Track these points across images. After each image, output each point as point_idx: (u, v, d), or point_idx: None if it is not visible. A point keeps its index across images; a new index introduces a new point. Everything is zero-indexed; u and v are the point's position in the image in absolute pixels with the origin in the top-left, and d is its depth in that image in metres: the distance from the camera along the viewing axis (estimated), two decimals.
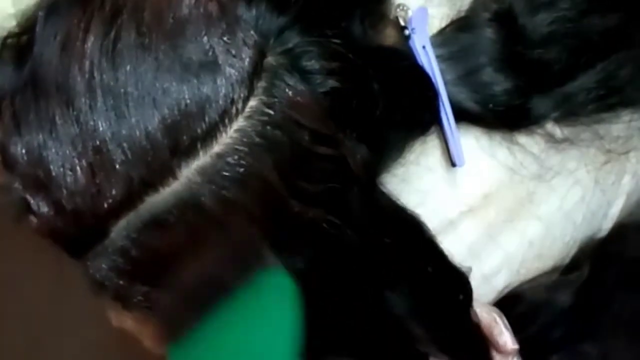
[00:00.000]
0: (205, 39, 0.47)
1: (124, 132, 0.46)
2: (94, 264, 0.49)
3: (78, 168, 0.47)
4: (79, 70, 0.47)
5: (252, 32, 0.48)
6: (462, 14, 0.60)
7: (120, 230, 0.48)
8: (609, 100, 0.61)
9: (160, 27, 0.47)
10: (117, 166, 0.46)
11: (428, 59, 0.59)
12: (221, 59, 0.47)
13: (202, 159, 0.47)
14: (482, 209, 0.61)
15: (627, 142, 0.64)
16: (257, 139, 0.47)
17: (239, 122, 0.47)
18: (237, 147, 0.47)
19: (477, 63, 0.59)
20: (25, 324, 1.10)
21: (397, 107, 0.54)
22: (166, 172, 0.46)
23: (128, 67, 0.46)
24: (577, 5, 0.60)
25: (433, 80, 0.58)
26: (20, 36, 0.53)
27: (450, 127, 0.59)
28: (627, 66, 0.61)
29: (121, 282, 0.50)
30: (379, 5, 0.59)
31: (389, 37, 0.60)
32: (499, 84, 0.59)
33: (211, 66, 0.46)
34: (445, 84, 0.59)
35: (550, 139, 0.62)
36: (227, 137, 0.47)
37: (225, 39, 0.47)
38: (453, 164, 0.60)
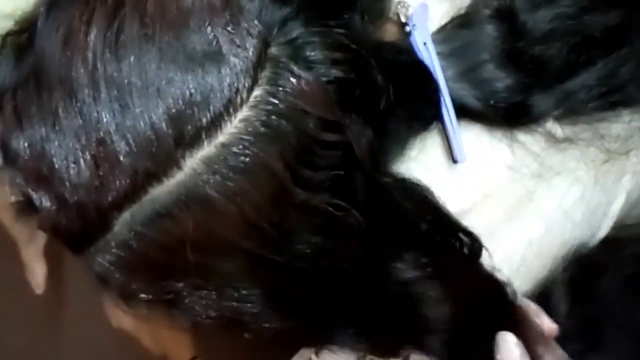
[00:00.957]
0: (209, 29, 0.47)
1: (128, 123, 0.46)
2: (96, 259, 0.49)
3: (81, 160, 0.47)
4: (82, 63, 0.47)
5: (256, 22, 0.48)
6: (463, 10, 0.61)
7: (123, 223, 0.48)
8: (610, 97, 0.61)
9: (163, 18, 0.47)
10: (121, 157, 0.46)
11: (429, 55, 0.59)
12: (225, 48, 0.47)
13: (207, 149, 0.46)
14: (482, 208, 0.61)
15: (627, 142, 0.64)
16: (262, 129, 0.47)
17: (244, 112, 0.47)
18: (241, 136, 0.46)
19: (478, 59, 0.59)
20: (25, 324, 1.09)
21: (400, 100, 0.54)
22: (171, 163, 0.46)
23: (132, 58, 0.46)
24: (578, 2, 0.60)
25: (434, 76, 0.58)
26: (21, 33, 0.53)
27: (452, 123, 0.59)
28: (628, 64, 0.61)
29: (124, 277, 0.50)
30: (379, 1, 0.59)
31: (390, 33, 0.60)
32: (500, 80, 0.59)
33: (215, 56, 0.46)
34: (446, 80, 0.59)
35: (551, 138, 0.62)
36: (231, 127, 0.47)
37: (229, 29, 0.47)
38: (454, 160, 0.60)
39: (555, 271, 0.67)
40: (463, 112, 0.60)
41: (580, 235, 0.66)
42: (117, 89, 0.46)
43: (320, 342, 0.62)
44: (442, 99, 0.59)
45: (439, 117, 0.59)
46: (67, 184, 0.47)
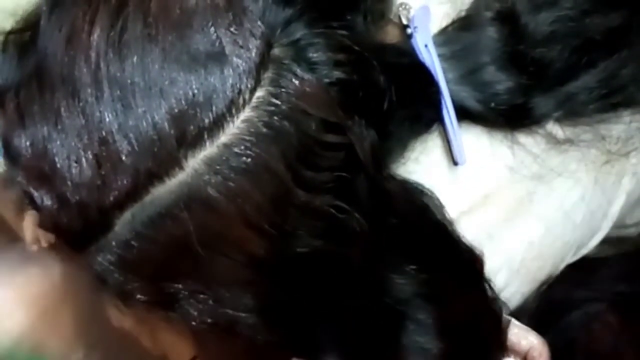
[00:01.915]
0: (212, 29, 0.47)
1: (130, 122, 0.46)
2: (96, 258, 0.49)
3: (83, 160, 0.47)
4: (85, 62, 0.47)
5: (259, 23, 0.48)
6: (464, 12, 0.61)
7: (124, 223, 0.47)
8: (610, 99, 0.62)
9: (167, 18, 0.47)
10: (123, 157, 0.46)
11: (430, 57, 0.59)
12: (228, 49, 0.47)
13: (209, 149, 0.46)
14: (482, 209, 0.62)
15: (628, 143, 0.64)
16: (264, 130, 0.47)
17: (246, 113, 0.47)
18: (243, 137, 0.46)
19: (479, 62, 0.60)
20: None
21: (401, 102, 0.54)
22: (173, 163, 0.46)
23: (135, 58, 0.46)
24: (579, 4, 0.60)
25: (435, 78, 0.59)
26: (23, 32, 0.53)
27: (452, 125, 0.59)
28: (629, 65, 0.61)
29: (123, 277, 0.49)
30: (381, 3, 0.59)
31: (391, 35, 0.60)
32: (501, 82, 0.60)
33: (218, 57, 0.46)
34: (447, 82, 0.59)
35: (551, 139, 0.62)
36: (234, 128, 0.46)
37: (232, 29, 0.47)
38: (455, 162, 0.60)
39: (554, 272, 0.67)
40: (464, 114, 0.60)
41: (580, 236, 0.66)
42: (119, 89, 0.46)
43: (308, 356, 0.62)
44: (442, 101, 0.59)
45: (439, 119, 0.60)
46: (69, 183, 0.47)
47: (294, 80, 0.48)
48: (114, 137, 0.46)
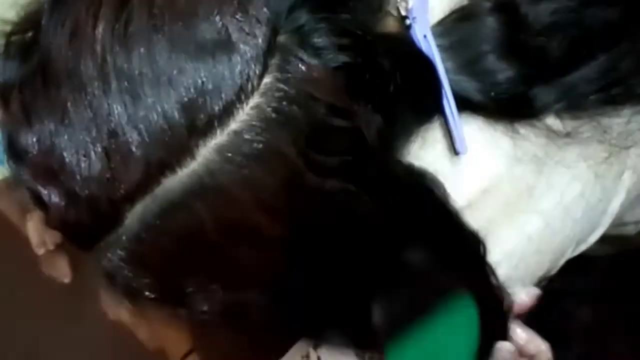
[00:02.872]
0: (217, 17, 0.47)
1: (140, 113, 0.46)
2: (106, 256, 0.49)
3: (92, 153, 0.46)
4: (91, 56, 0.47)
5: (264, 9, 0.48)
6: (463, 3, 0.61)
7: (135, 216, 0.47)
8: (610, 91, 0.62)
9: (172, 8, 0.47)
10: (134, 149, 0.46)
11: (429, 48, 0.59)
12: (235, 37, 0.47)
13: (220, 137, 0.46)
14: (481, 204, 0.62)
15: (628, 138, 0.64)
16: (273, 115, 0.47)
17: (255, 99, 0.47)
18: (253, 123, 0.46)
19: (479, 51, 0.60)
20: (25, 324, 1.09)
21: (404, 91, 0.54)
22: (184, 152, 0.46)
23: (142, 49, 0.46)
24: None
25: (435, 68, 0.59)
26: (25, 32, 0.53)
27: (453, 115, 0.59)
28: (629, 58, 0.62)
29: (133, 273, 0.49)
30: None
31: (390, 26, 0.60)
32: (501, 72, 0.60)
33: (225, 44, 0.46)
34: (447, 72, 0.59)
35: (552, 133, 0.62)
36: (243, 114, 0.46)
37: (237, 16, 0.47)
38: (456, 152, 0.60)
39: (554, 268, 0.67)
40: (464, 104, 0.60)
41: (580, 232, 0.66)
42: (127, 81, 0.46)
43: (317, 338, 0.62)
44: (442, 91, 0.59)
45: (440, 110, 0.60)
46: (78, 177, 0.47)
47: (300, 65, 0.48)
48: (123, 129, 0.46)
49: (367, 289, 0.55)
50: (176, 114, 0.46)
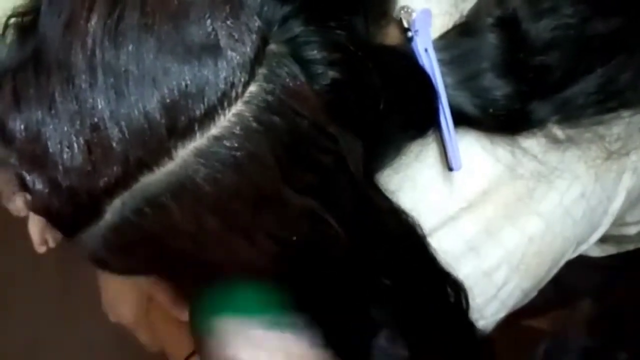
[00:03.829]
0: (208, 21, 0.47)
1: (122, 110, 0.46)
2: (88, 243, 0.49)
3: (75, 145, 0.47)
4: (81, 48, 0.47)
5: (255, 17, 0.48)
6: (465, 18, 0.61)
7: (114, 209, 0.48)
8: (608, 103, 0.62)
9: (164, 8, 0.47)
10: (114, 144, 0.46)
11: (430, 62, 0.59)
12: (223, 42, 0.47)
13: (199, 141, 0.47)
14: (482, 205, 0.62)
15: (628, 141, 0.64)
16: (255, 125, 0.47)
17: (238, 107, 0.47)
18: (234, 130, 0.47)
19: (479, 68, 0.60)
20: (25, 324, 1.10)
21: (396, 105, 0.54)
22: (162, 152, 0.46)
23: (130, 47, 0.46)
24: (579, 12, 0.60)
25: (434, 83, 0.58)
26: (25, 15, 0.53)
27: (449, 131, 0.59)
28: (627, 71, 0.61)
29: (116, 260, 0.50)
30: (383, 4, 0.59)
31: (391, 37, 0.60)
32: (500, 89, 0.60)
33: (213, 49, 0.47)
34: (446, 87, 0.59)
35: (551, 138, 0.62)
36: (225, 121, 0.47)
37: (228, 22, 0.47)
38: (450, 169, 0.60)
39: (555, 268, 0.67)
40: (462, 119, 0.60)
41: (580, 232, 0.66)
42: (113, 76, 0.46)
43: None
44: (440, 106, 0.59)
45: (436, 124, 0.60)
46: (60, 167, 0.47)
47: (287, 79, 0.48)
48: (105, 123, 0.46)
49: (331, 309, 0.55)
50: (157, 114, 0.46)
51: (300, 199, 0.49)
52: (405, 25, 0.60)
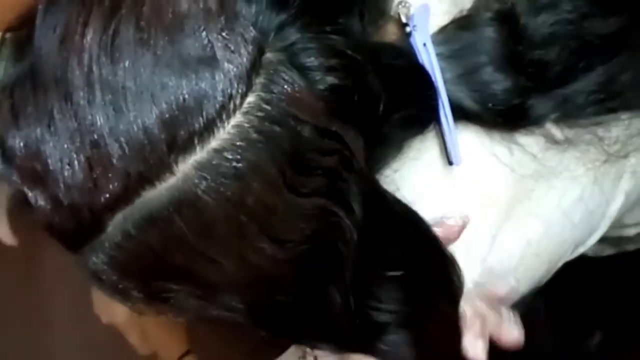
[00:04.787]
0: (204, 34, 0.47)
1: (121, 126, 0.46)
2: (91, 258, 0.50)
3: (75, 162, 0.47)
4: (78, 65, 0.47)
5: (251, 28, 0.47)
6: (464, 12, 0.60)
7: (116, 224, 0.48)
8: (608, 103, 0.61)
9: (159, 22, 0.47)
10: (115, 161, 0.46)
11: (428, 56, 0.59)
12: (220, 54, 0.47)
13: (200, 154, 0.46)
14: (480, 207, 0.62)
15: (627, 143, 0.64)
16: (255, 135, 0.47)
17: (237, 118, 0.47)
18: (234, 142, 0.47)
19: (478, 62, 0.59)
20: (24, 324, 1.11)
21: (396, 104, 0.54)
22: (163, 167, 0.46)
23: (127, 62, 0.46)
24: (578, 8, 0.60)
25: (433, 78, 0.58)
26: (20, 29, 0.53)
27: (449, 126, 0.59)
28: (628, 71, 0.61)
29: (117, 276, 0.50)
30: (380, 1, 0.58)
31: (390, 33, 0.60)
32: (499, 83, 0.59)
33: (209, 61, 0.46)
34: (445, 82, 0.59)
35: (550, 139, 0.62)
36: (224, 133, 0.47)
37: (224, 34, 0.47)
38: (450, 163, 0.60)
39: (552, 270, 0.67)
40: (461, 114, 0.60)
41: (578, 235, 0.66)
42: (111, 93, 0.46)
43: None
44: (440, 101, 0.59)
45: (436, 120, 0.59)
46: (61, 185, 0.47)
47: (285, 86, 0.48)
48: (105, 140, 0.46)
49: (343, 301, 0.55)
50: (156, 130, 0.46)
51: (306, 202, 0.49)
52: (404, 20, 0.59)
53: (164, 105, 0.46)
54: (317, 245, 0.51)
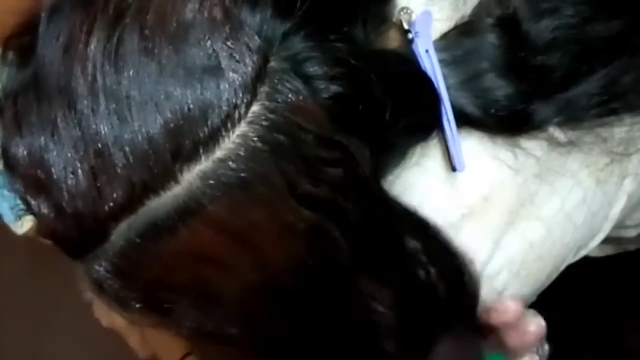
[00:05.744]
0: (208, 43, 0.47)
1: (126, 136, 0.46)
2: (94, 267, 0.50)
3: (79, 171, 0.47)
4: (82, 73, 0.47)
5: (255, 37, 0.47)
6: (466, 18, 0.60)
7: (120, 233, 0.48)
8: (610, 105, 0.61)
9: (163, 31, 0.47)
10: (119, 170, 0.46)
11: (431, 63, 0.59)
12: (224, 63, 0.47)
13: (204, 164, 0.46)
14: (483, 211, 0.61)
15: (630, 145, 0.64)
16: (259, 145, 0.47)
17: (242, 127, 0.47)
18: (239, 152, 0.47)
19: (480, 68, 0.59)
20: (24, 324, 1.11)
21: (400, 111, 0.54)
22: (168, 176, 0.46)
23: (131, 71, 0.46)
24: (580, 12, 0.59)
25: (435, 84, 0.58)
26: (23, 36, 0.53)
27: (452, 132, 0.59)
28: (629, 73, 0.61)
29: (119, 285, 0.50)
30: (382, 8, 0.58)
31: (392, 40, 0.60)
32: (501, 89, 0.59)
33: (214, 71, 0.46)
34: (448, 88, 0.59)
35: (553, 141, 0.61)
36: (229, 142, 0.47)
37: (228, 43, 0.47)
38: (453, 169, 0.60)
39: (555, 273, 0.67)
40: (464, 120, 0.60)
41: (581, 237, 0.66)
42: (115, 102, 0.46)
43: None
44: (442, 108, 0.58)
45: (439, 126, 0.59)
46: (65, 193, 0.47)
47: (290, 95, 0.48)
48: (109, 149, 0.46)
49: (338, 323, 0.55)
50: (161, 139, 0.46)
51: (311, 214, 0.49)
52: (406, 26, 0.59)
53: (169, 115, 0.46)
54: (320, 257, 0.51)
